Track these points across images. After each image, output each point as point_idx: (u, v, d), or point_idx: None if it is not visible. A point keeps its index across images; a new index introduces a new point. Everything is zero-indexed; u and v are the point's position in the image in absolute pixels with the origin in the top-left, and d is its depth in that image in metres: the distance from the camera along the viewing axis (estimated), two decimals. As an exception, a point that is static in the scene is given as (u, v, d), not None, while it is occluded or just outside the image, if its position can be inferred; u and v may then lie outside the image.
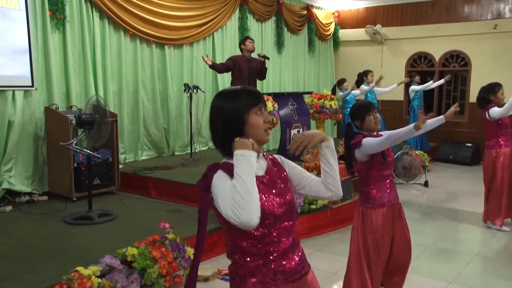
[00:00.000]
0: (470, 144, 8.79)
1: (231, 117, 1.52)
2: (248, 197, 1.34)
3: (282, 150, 5.75)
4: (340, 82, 8.09)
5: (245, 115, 1.51)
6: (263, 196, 1.49)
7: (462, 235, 4.92)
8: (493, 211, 4.87)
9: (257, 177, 1.48)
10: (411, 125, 2.65)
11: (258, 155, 1.50)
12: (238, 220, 1.33)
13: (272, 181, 1.57)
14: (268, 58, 6.06)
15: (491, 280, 3.73)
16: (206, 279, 3.54)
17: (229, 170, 1.46)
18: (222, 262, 3.87)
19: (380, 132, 2.83)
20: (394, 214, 2.85)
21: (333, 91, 7.76)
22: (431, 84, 8.32)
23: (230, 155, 1.50)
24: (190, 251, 3.46)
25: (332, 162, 1.68)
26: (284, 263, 1.54)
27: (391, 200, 2.83)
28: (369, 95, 7.91)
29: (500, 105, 4.68)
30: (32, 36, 4.99)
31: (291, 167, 1.70)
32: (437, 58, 9.43)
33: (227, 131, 1.52)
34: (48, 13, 5.14)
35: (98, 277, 2.89)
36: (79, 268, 2.87)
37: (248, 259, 1.53)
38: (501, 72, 8.33)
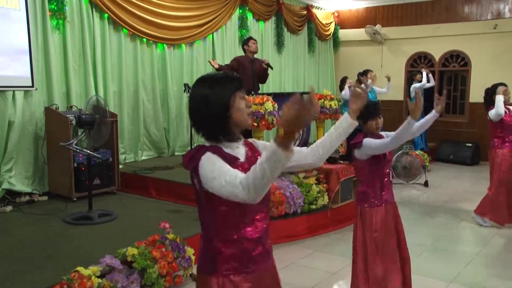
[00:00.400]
0: (470, 144, 8.79)
1: (217, 102, 1.54)
2: (262, 187, 1.35)
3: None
4: (343, 81, 8.15)
5: (231, 99, 1.55)
6: None
7: (462, 235, 4.92)
8: (483, 204, 4.95)
9: (239, 164, 1.55)
10: (407, 119, 2.56)
11: (239, 142, 1.62)
12: (246, 196, 1.37)
13: (251, 167, 1.61)
14: (271, 68, 6.08)
15: (491, 280, 3.72)
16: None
17: (219, 153, 1.51)
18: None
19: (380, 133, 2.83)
20: (392, 213, 2.85)
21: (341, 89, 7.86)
22: (425, 83, 8.42)
23: (215, 139, 1.57)
24: (190, 251, 3.46)
25: (342, 134, 1.73)
26: (255, 248, 1.60)
27: (388, 199, 2.83)
28: (370, 94, 7.92)
29: (506, 104, 4.66)
30: (32, 36, 4.99)
31: (264, 148, 1.72)
32: (437, 58, 9.43)
33: (212, 116, 1.55)
34: (48, 13, 5.14)
35: (98, 277, 2.89)
36: (79, 268, 2.87)
37: (224, 246, 1.57)
38: (501, 72, 8.33)
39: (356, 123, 1.73)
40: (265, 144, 1.74)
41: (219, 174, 1.43)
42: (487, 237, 4.70)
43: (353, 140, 2.75)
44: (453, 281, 3.63)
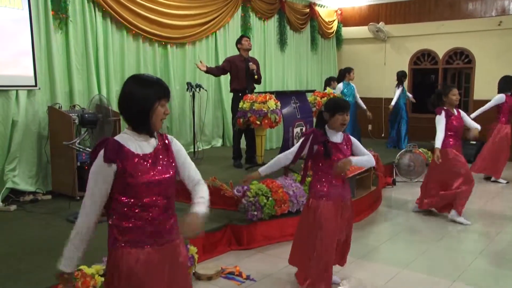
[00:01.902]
0: (474, 142, 8.73)
1: (141, 103, 1.81)
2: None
3: (285, 148, 5.73)
4: (330, 80, 8.25)
5: (154, 104, 1.83)
6: (150, 171, 1.83)
7: (466, 233, 4.89)
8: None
9: (145, 155, 1.84)
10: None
11: (151, 135, 1.89)
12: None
13: (157, 159, 1.88)
14: (253, 75, 5.79)
15: (495, 278, 3.71)
16: (209, 278, 3.53)
17: (111, 153, 1.76)
18: (225, 261, 3.87)
19: (347, 134, 3.12)
20: (339, 207, 3.06)
21: (325, 87, 7.99)
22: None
23: (132, 127, 1.86)
24: (193, 250, 3.46)
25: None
26: (156, 225, 1.85)
27: (335, 195, 3.04)
28: (345, 92, 8.10)
29: (452, 106, 4.87)
30: (35, 36, 4.99)
31: (177, 150, 1.99)
32: (440, 55, 9.39)
33: (134, 112, 1.83)
34: (51, 13, 5.14)
35: (101, 275, 2.89)
36: (83, 267, 2.87)
37: (126, 221, 1.84)
38: (505, 69, 8.26)
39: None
40: (183, 154, 2.00)
41: (87, 191, 1.82)
42: (491, 235, 4.68)
43: (307, 131, 3.10)
44: (457, 279, 3.62)
